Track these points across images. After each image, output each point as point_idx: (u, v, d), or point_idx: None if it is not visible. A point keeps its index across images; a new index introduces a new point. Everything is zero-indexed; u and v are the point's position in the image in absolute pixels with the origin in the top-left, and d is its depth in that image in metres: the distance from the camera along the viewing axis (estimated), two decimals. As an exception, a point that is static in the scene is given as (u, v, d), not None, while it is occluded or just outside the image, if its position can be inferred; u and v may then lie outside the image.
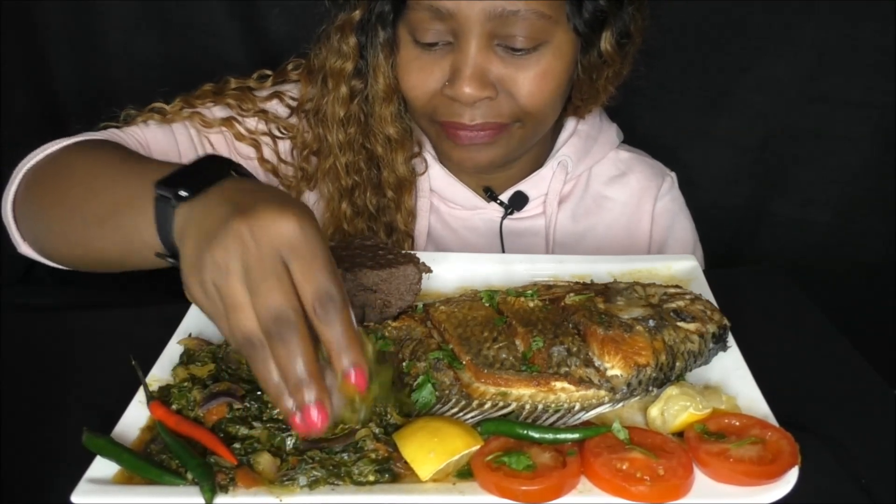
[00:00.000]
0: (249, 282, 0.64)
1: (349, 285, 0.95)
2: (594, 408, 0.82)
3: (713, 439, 0.76)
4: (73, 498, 0.71)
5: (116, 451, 0.75)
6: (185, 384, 0.84)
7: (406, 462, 0.74)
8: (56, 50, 1.57)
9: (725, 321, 0.90)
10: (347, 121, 1.20)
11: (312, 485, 0.72)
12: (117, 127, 1.18)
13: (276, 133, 1.26)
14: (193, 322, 0.96)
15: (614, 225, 1.35)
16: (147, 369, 0.87)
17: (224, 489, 0.72)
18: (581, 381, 0.82)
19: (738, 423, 0.78)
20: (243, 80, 1.28)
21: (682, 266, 1.09)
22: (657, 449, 0.75)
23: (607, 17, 1.11)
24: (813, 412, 0.85)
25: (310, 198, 1.30)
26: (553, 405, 0.82)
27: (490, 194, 1.30)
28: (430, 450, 0.74)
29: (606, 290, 0.94)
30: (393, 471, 0.74)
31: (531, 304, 0.92)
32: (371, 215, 1.25)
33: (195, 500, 0.71)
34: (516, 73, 1.09)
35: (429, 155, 1.28)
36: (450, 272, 1.08)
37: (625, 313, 0.89)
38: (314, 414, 0.64)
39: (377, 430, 0.77)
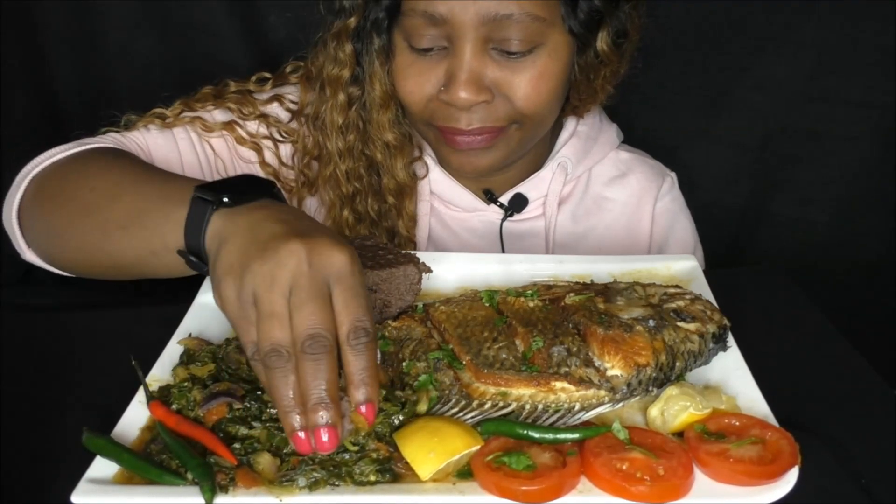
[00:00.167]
0: (294, 298, 0.68)
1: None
2: (594, 408, 0.82)
3: (713, 439, 0.76)
4: (73, 498, 0.71)
5: (116, 451, 0.75)
6: (185, 384, 0.84)
7: (406, 462, 0.74)
8: (56, 50, 1.57)
9: (725, 321, 0.90)
10: (346, 128, 1.20)
11: (312, 486, 0.72)
12: (117, 132, 1.19)
13: (277, 137, 1.26)
14: (193, 322, 0.96)
15: (614, 225, 1.35)
16: (147, 369, 0.87)
17: (224, 489, 0.72)
18: (581, 381, 0.82)
19: (738, 423, 0.78)
20: (242, 83, 1.28)
21: (682, 266, 1.09)
22: (657, 449, 0.75)
23: (603, 16, 1.11)
24: (813, 412, 0.85)
25: (311, 205, 1.30)
26: (553, 405, 0.82)
27: (490, 196, 1.30)
28: (430, 450, 0.74)
29: (606, 290, 0.94)
30: (393, 471, 0.74)
31: (531, 304, 0.92)
32: (373, 221, 1.26)
33: (195, 500, 0.71)
34: (512, 76, 1.09)
35: (429, 158, 1.28)
36: (450, 272, 1.08)
37: (625, 313, 0.89)
38: (324, 436, 0.67)
39: (377, 430, 0.77)
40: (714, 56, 1.64)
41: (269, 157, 1.26)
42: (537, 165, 1.31)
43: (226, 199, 0.78)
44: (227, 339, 0.90)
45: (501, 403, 0.82)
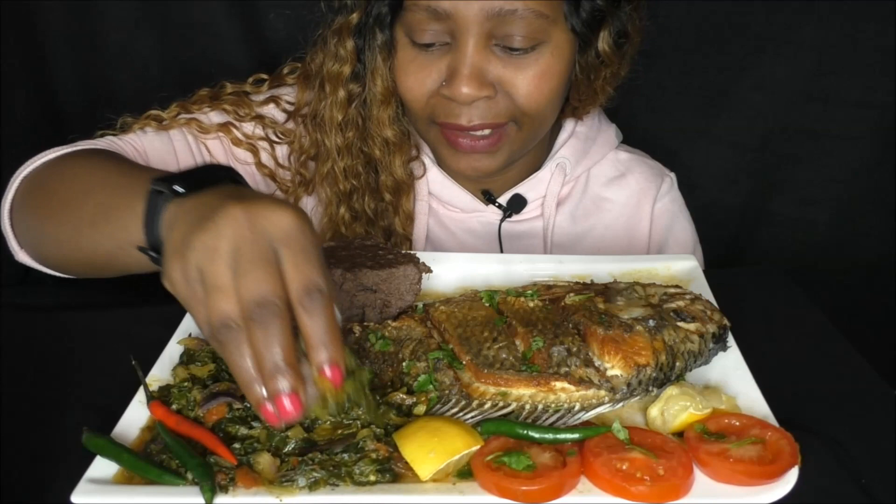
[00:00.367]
0: (237, 265, 0.64)
1: (349, 285, 0.95)
2: (594, 408, 0.82)
3: (713, 439, 0.76)
4: (73, 498, 0.71)
5: (116, 451, 0.75)
6: (185, 384, 0.84)
7: (406, 462, 0.74)
8: (56, 50, 1.57)
9: (725, 321, 0.90)
10: (345, 125, 1.20)
11: (312, 486, 0.72)
12: (114, 135, 1.19)
13: (274, 138, 1.26)
14: (193, 322, 0.96)
15: (613, 226, 1.35)
16: (147, 369, 0.87)
17: (224, 489, 0.72)
18: (581, 381, 0.82)
19: (738, 423, 0.78)
20: (239, 85, 1.28)
21: (682, 266, 1.09)
22: (657, 449, 0.75)
23: (605, 16, 1.11)
24: (813, 412, 0.85)
25: (308, 203, 1.30)
26: (553, 405, 0.82)
27: (488, 197, 1.30)
28: (430, 450, 0.74)
29: (606, 290, 0.94)
30: (393, 471, 0.74)
31: (531, 304, 0.92)
32: (369, 219, 1.25)
33: (195, 500, 0.71)
34: (514, 72, 1.09)
35: (427, 158, 1.28)
36: (450, 272, 1.08)
37: (625, 313, 0.89)
38: (287, 403, 0.64)
39: (377, 430, 0.77)
40: (714, 56, 1.64)
41: (265, 158, 1.26)
42: (536, 166, 1.31)
43: (179, 189, 0.74)
44: (227, 339, 0.90)
45: (501, 403, 0.82)
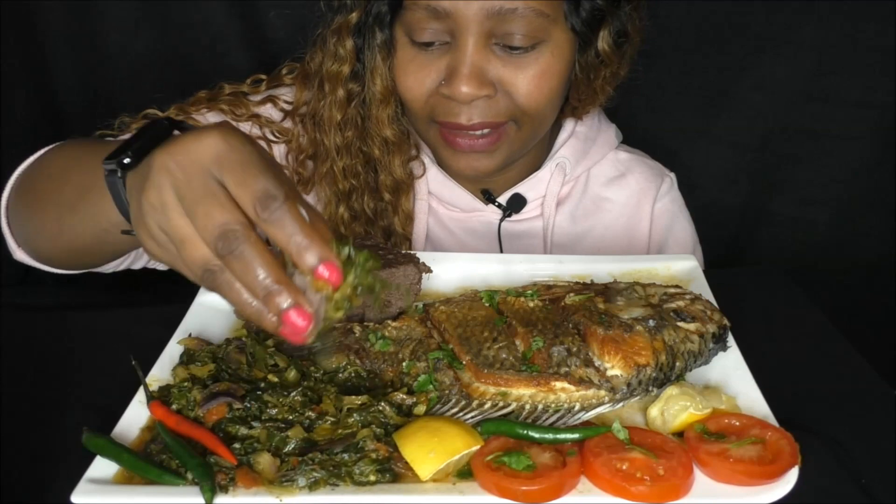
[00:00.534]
0: (187, 210, 0.62)
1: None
2: (594, 408, 0.82)
3: (713, 439, 0.76)
4: (73, 498, 0.71)
5: (116, 451, 0.75)
6: (185, 384, 0.84)
7: (406, 462, 0.74)
8: (56, 50, 1.57)
9: (725, 321, 0.90)
10: (344, 124, 1.20)
11: (312, 486, 0.72)
12: (112, 135, 1.19)
13: (271, 137, 1.26)
14: (193, 322, 0.96)
15: (613, 226, 1.35)
16: (147, 369, 0.87)
17: (224, 489, 0.72)
18: (581, 381, 0.82)
19: (738, 423, 0.78)
20: (237, 86, 1.28)
21: (682, 266, 1.09)
22: (657, 449, 0.75)
23: (605, 16, 1.12)
24: (813, 412, 0.85)
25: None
26: (553, 405, 0.82)
27: (488, 196, 1.30)
28: (430, 450, 0.74)
29: (606, 290, 0.94)
30: (393, 471, 0.74)
31: (531, 304, 0.92)
32: (368, 219, 1.25)
33: (195, 500, 0.71)
34: (514, 72, 1.09)
35: (426, 157, 1.28)
36: (450, 272, 1.08)
37: (625, 313, 0.89)
38: (295, 318, 0.62)
39: (377, 430, 0.77)
40: (714, 56, 1.64)
41: None
42: (536, 166, 1.31)
43: (126, 161, 0.71)
44: (227, 339, 0.90)
45: (501, 403, 0.82)
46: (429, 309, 0.94)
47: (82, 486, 0.72)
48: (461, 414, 0.81)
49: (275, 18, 1.58)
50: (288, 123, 1.27)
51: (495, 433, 0.78)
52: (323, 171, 1.23)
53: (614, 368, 0.83)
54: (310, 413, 0.79)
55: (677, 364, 0.86)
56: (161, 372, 0.88)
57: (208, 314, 0.96)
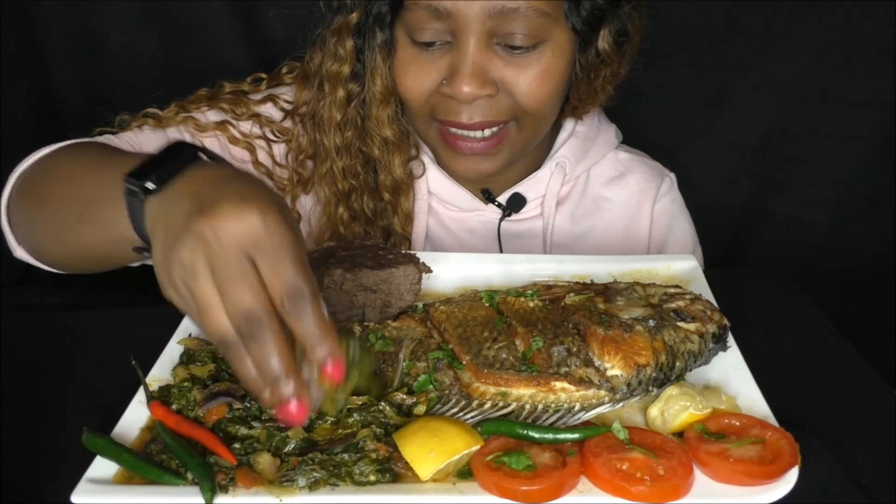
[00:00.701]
0: (217, 282, 0.64)
1: (349, 285, 0.95)
2: (594, 408, 0.82)
3: (713, 439, 0.76)
4: (73, 498, 0.71)
5: (116, 451, 0.75)
6: (185, 384, 0.84)
7: (406, 462, 0.74)
8: (56, 50, 1.57)
9: (725, 321, 0.90)
10: (344, 124, 1.20)
11: (312, 486, 0.72)
12: (112, 133, 1.19)
13: (270, 136, 1.26)
14: (193, 322, 0.96)
15: (613, 226, 1.35)
16: (147, 369, 0.87)
17: (224, 489, 0.72)
18: (581, 381, 0.82)
19: (738, 423, 0.78)
20: (238, 85, 1.28)
21: (682, 266, 1.09)
22: (657, 449, 0.75)
23: (605, 15, 1.12)
24: (813, 412, 0.85)
25: (306, 202, 1.30)
26: (553, 405, 0.82)
27: (488, 196, 1.29)
28: (430, 450, 0.74)
29: (606, 290, 0.94)
30: (394, 471, 0.74)
31: (531, 304, 0.92)
32: (368, 219, 1.25)
33: (195, 500, 0.71)
34: (516, 71, 1.09)
35: (426, 157, 1.28)
36: (450, 272, 1.08)
37: (625, 313, 0.89)
38: (293, 408, 0.65)
39: (377, 430, 0.77)
40: (714, 56, 1.64)
41: (262, 156, 1.26)
42: (536, 165, 1.31)
43: (150, 186, 0.73)
44: (227, 339, 0.90)
45: (501, 403, 0.82)
46: (429, 309, 0.94)
47: (82, 486, 0.72)
48: (461, 414, 0.81)
49: (274, 19, 1.58)
50: (288, 123, 1.27)
51: (495, 433, 0.78)
52: (322, 171, 1.23)
53: (614, 368, 0.83)
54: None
55: (677, 364, 0.86)
56: (161, 372, 0.88)
57: (208, 314, 0.96)
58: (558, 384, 0.82)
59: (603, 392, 0.82)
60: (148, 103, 1.24)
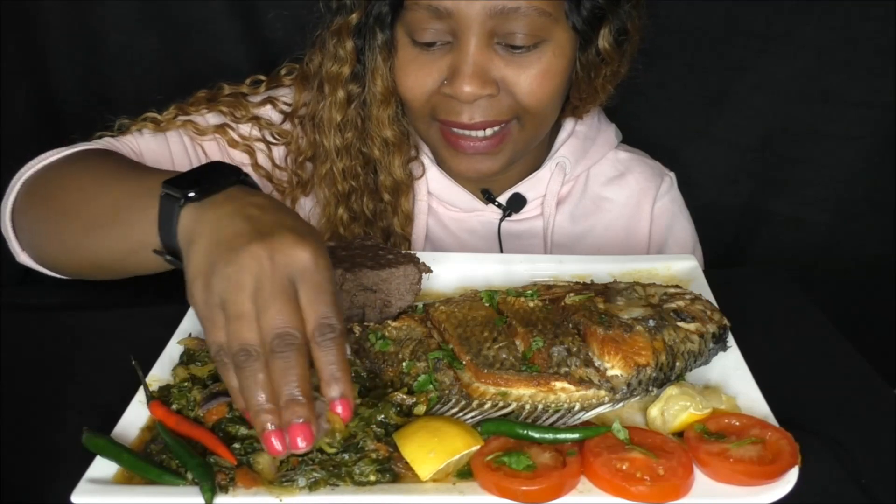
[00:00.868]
0: (259, 299, 0.67)
1: (349, 285, 0.95)
2: (594, 408, 0.82)
3: (713, 439, 0.76)
4: (73, 498, 0.71)
5: (116, 451, 0.75)
6: (185, 384, 0.84)
7: (406, 462, 0.74)
8: (56, 50, 1.57)
9: (725, 321, 0.90)
10: (344, 125, 1.20)
11: (312, 486, 0.72)
12: (112, 136, 1.19)
13: (270, 139, 1.26)
14: (193, 322, 0.96)
15: (613, 226, 1.35)
16: (147, 369, 0.87)
17: (224, 489, 0.72)
18: (581, 381, 0.82)
19: (738, 423, 0.78)
20: (237, 87, 1.28)
21: (682, 266, 1.09)
22: (657, 449, 0.75)
23: (605, 14, 1.12)
24: (813, 412, 0.85)
25: (306, 203, 1.30)
26: (553, 405, 0.82)
27: (488, 196, 1.29)
28: (430, 450, 0.74)
29: (606, 290, 0.94)
30: (393, 471, 0.74)
31: (531, 304, 0.92)
32: (368, 220, 1.25)
33: (195, 500, 0.71)
34: (517, 71, 1.09)
35: (426, 158, 1.28)
36: (450, 272, 1.08)
37: (625, 313, 0.89)
38: (299, 434, 0.66)
39: (377, 430, 0.77)
40: (714, 56, 1.64)
41: (261, 159, 1.26)
42: (536, 165, 1.31)
43: (192, 195, 0.76)
44: (227, 339, 0.90)
45: (501, 403, 0.82)
46: (429, 309, 0.94)
47: (82, 486, 0.72)
48: (461, 414, 0.81)
49: (274, 19, 1.58)
50: (287, 125, 1.27)
51: (495, 433, 0.78)
52: (322, 172, 1.23)
53: (614, 368, 0.83)
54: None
55: (677, 364, 0.86)
56: (161, 372, 0.88)
57: (208, 314, 0.96)
58: (558, 384, 0.82)
59: (603, 392, 0.82)
60: (148, 104, 1.24)
